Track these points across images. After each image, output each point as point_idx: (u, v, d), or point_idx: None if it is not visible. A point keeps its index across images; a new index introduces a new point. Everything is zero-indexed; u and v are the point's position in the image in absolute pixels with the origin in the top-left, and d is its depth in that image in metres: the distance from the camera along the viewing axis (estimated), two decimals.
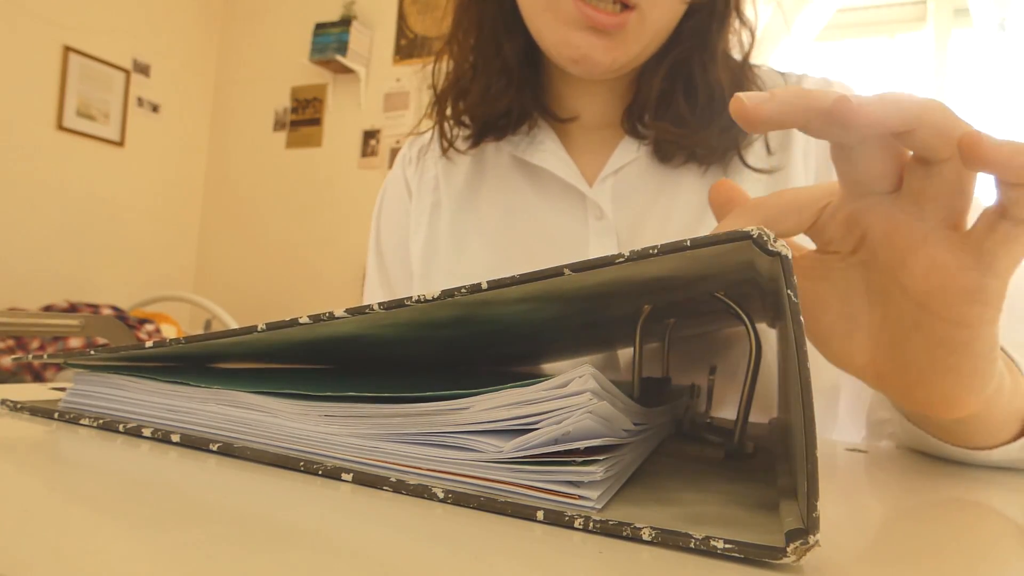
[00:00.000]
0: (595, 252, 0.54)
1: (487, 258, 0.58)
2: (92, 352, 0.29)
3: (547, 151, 0.58)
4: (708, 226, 0.52)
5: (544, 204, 0.58)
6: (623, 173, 0.56)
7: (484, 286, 0.21)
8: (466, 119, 0.60)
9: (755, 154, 0.54)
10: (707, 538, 0.17)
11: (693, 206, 0.53)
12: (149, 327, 2.27)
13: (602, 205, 0.55)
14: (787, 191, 0.29)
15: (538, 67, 0.59)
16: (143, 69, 2.89)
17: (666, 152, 0.54)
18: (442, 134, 0.61)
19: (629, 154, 0.56)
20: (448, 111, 0.61)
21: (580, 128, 0.59)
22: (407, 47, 2.75)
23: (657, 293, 0.28)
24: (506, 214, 0.59)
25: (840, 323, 0.30)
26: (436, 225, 0.62)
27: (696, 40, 0.53)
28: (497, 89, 0.57)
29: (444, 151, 0.61)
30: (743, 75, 0.54)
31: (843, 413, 0.53)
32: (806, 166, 0.53)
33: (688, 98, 0.53)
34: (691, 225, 0.53)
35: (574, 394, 0.20)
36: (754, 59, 0.57)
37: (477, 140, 0.60)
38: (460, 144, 0.61)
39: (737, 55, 0.55)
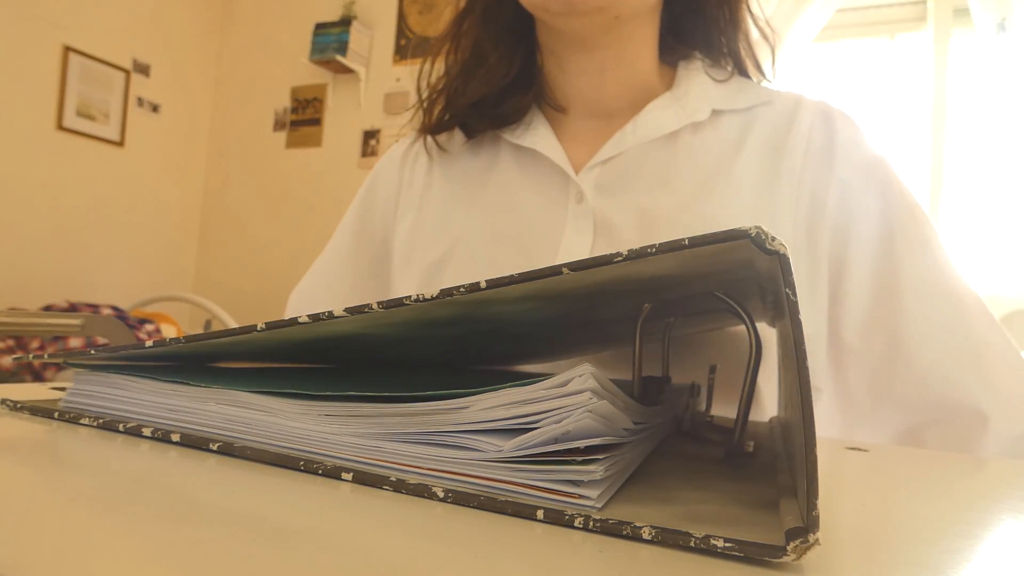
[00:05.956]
0: (571, 235, 0.56)
1: (469, 238, 0.60)
2: (92, 352, 0.29)
3: (539, 136, 0.60)
4: (685, 225, 0.52)
5: (529, 186, 0.60)
6: (612, 164, 0.57)
7: (483, 285, 0.21)
8: (468, 112, 0.62)
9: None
10: (707, 537, 0.17)
11: (673, 205, 0.54)
12: (149, 327, 2.27)
13: (584, 189, 0.56)
14: None
15: (531, 68, 0.61)
16: (143, 69, 2.89)
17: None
18: (434, 123, 0.63)
19: (621, 145, 0.57)
20: (437, 109, 0.63)
21: (573, 118, 0.61)
22: (407, 47, 2.75)
23: (657, 291, 0.28)
24: (492, 193, 0.61)
25: None
26: (424, 207, 0.64)
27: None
28: (496, 75, 0.59)
29: (441, 146, 0.64)
30: None
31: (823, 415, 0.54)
32: (798, 199, 0.53)
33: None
34: (670, 219, 0.53)
35: (574, 393, 0.20)
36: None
37: (472, 132, 0.63)
38: (454, 141, 0.64)
39: None
